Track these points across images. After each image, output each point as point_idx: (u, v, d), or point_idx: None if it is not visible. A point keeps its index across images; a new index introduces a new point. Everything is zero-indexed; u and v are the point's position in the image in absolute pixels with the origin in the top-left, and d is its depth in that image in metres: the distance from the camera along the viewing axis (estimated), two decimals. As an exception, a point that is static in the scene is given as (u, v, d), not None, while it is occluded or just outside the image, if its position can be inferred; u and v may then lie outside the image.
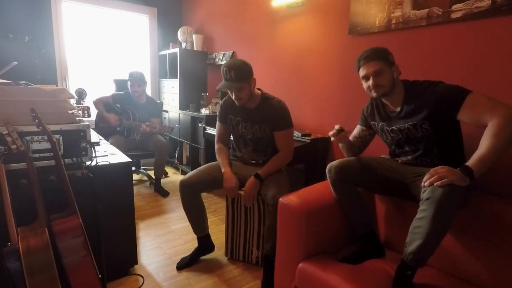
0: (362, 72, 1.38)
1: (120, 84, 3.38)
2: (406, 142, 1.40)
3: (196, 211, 1.87)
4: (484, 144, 1.10)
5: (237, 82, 1.65)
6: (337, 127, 1.46)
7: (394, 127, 1.40)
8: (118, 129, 3.02)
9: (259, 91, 1.84)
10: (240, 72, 1.66)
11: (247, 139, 1.88)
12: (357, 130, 1.61)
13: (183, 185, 1.78)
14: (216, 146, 1.96)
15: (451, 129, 1.31)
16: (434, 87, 1.27)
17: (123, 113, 3.05)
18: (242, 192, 1.76)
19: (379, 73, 1.32)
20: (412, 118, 1.33)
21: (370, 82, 1.34)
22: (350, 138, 1.59)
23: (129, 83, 2.99)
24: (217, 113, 1.98)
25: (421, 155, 1.36)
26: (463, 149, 1.35)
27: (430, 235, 1.06)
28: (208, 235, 1.96)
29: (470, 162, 1.10)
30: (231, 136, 2.01)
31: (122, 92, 3.13)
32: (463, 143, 1.35)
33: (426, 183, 1.12)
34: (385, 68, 1.32)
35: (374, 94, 1.36)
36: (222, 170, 1.81)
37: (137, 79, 2.97)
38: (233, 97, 1.73)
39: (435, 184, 1.08)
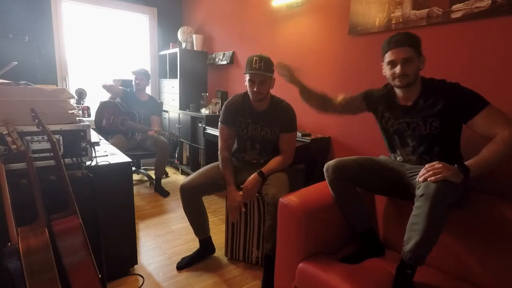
0: (390, 57, 1.28)
1: (120, 84, 3.39)
2: (411, 137, 1.37)
3: (197, 214, 1.87)
4: (490, 148, 1.12)
5: (265, 71, 1.70)
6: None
7: (401, 120, 1.37)
8: (122, 128, 3.04)
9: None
10: (269, 64, 1.73)
11: (256, 141, 1.87)
12: (353, 96, 1.58)
13: (184, 189, 1.78)
14: (221, 156, 1.84)
15: (455, 131, 1.31)
16: (457, 88, 1.25)
17: (129, 114, 3.07)
18: (244, 209, 1.75)
19: (408, 61, 1.24)
20: (424, 112, 1.30)
21: (397, 69, 1.26)
22: (341, 97, 1.58)
23: (134, 76, 3.14)
24: (221, 116, 1.88)
25: (422, 152, 1.36)
26: (460, 151, 1.35)
27: (426, 232, 1.06)
28: (210, 238, 1.96)
29: (469, 162, 1.11)
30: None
31: (127, 89, 3.21)
32: (460, 147, 1.35)
33: (420, 179, 1.12)
34: (414, 57, 1.25)
35: (398, 83, 1.29)
36: (227, 188, 1.77)
37: (141, 74, 3.14)
38: (254, 89, 1.72)
39: (429, 179, 1.09)
